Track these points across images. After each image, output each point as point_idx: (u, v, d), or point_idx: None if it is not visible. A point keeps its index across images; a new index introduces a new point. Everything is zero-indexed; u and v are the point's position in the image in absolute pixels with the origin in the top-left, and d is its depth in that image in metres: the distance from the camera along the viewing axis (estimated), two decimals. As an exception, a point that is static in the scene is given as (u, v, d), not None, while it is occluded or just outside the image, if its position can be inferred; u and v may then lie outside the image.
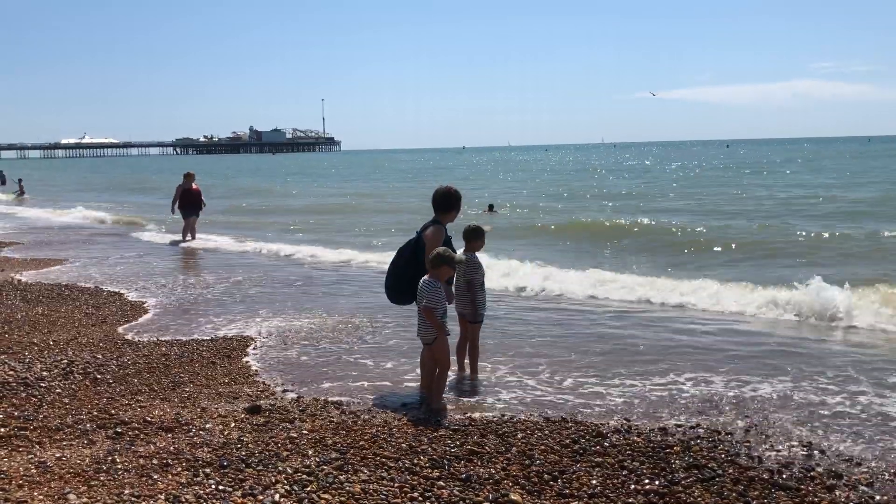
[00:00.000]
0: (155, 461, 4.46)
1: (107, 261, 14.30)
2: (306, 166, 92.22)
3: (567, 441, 4.86)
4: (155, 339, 7.78)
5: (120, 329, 8.32)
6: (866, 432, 5.10)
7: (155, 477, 4.24)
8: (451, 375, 6.28)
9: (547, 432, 5.05)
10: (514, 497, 4.04)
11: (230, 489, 4.10)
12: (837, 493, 4.13)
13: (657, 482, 4.24)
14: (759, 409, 5.56)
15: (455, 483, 4.22)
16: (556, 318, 8.91)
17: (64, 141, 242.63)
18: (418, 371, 6.16)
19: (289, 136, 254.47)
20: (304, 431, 5.02)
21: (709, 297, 9.61)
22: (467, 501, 4.02)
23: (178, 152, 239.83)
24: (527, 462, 4.52)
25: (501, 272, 11.59)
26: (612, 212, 23.40)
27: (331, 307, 9.55)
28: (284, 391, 6.10)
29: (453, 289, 6.19)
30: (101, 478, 4.22)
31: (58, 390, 5.89)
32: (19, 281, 11.57)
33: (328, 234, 19.78)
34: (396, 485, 4.18)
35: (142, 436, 4.92)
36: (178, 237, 17.87)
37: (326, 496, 4.03)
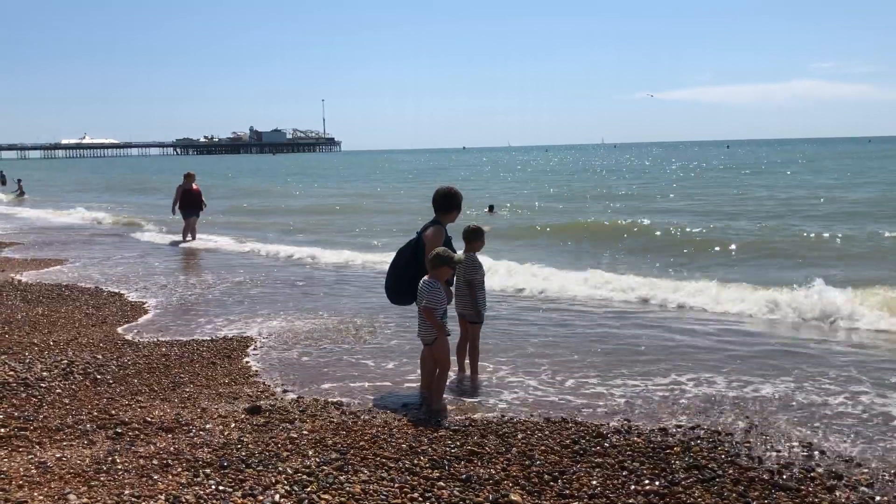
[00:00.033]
0: (155, 461, 4.46)
1: (107, 261, 14.30)
2: (306, 167, 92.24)
3: (567, 441, 4.86)
4: (155, 340, 7.79)
5: (120, 329, 8.32)
6: (867, 433, 5.10)
7: (155, 477, 4.24)
8: (452, 376, 6.28)
9: (547, 433, 5.05)
10: (514, 497, 4.04)
11: (230, 489, 4.10)
12: (838, 493, 4.13)
13: (657, 483, 4.24)
14: (759, 410, 5.56)
15: (455, 483, 4.22)
16: (557, 319, 8.91)
17: (64, 141, 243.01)
18: (419, 371, 6.16)
19: (289, 136, 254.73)
20: (305, 432, 5.02)
21: (710, 297, 9.60)
22: (467, 502, 4.01)
23: (179, 153, 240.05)
24: (527, 462, 4.52)
25: (502, 273, 11.61)
26: (613, 212, 23.39)
27: (332, 308, 9.55)
28: (284, 391, 6.10)
29: (454, 289, 6.19)
30: (102, 478, 4.22)
31: (58, 391, 5.89)
32: (20, 281, 11.57)
33: (328, 234, 19.78)
34: (396, 485, 4.18)
35: (142, 436, 4.92)
36: (179, 237, 17.88)
37: (326, 496, 4.03)
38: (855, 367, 6.63)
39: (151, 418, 5.26)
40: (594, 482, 4.25)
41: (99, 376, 6.32)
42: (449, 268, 5.67)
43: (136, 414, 5.37)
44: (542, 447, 4.76)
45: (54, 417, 5.26)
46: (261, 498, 4.00)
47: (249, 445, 4.74)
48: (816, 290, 9.01)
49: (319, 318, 8.88)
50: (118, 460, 4.47)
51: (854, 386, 6.10)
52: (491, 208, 24.40)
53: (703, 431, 5.09)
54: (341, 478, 4.26)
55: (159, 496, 4.00)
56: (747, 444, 4.85)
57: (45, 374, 6.30)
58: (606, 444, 4.81)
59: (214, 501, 3.97)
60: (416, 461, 4.52)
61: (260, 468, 4.38)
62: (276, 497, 4.01)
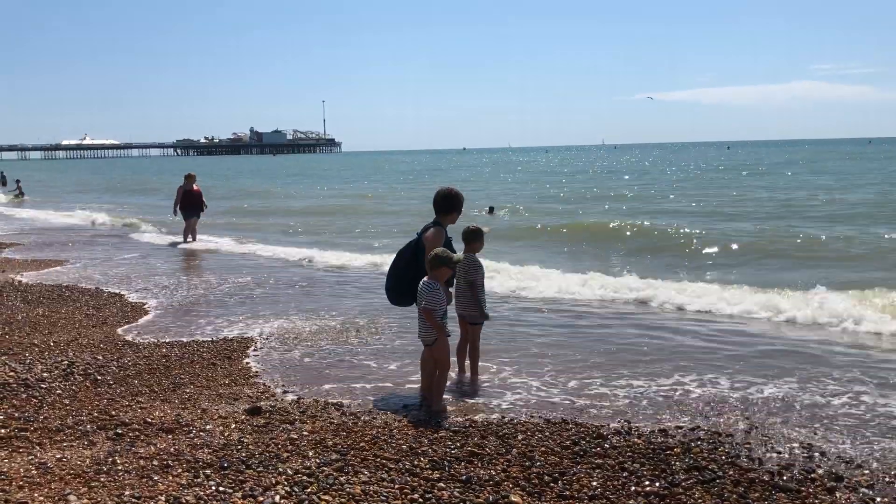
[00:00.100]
0: (155, 462, 4.46)
1: (107, 262, 14.30)
2: (307, 167, 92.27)
3: (567, 443, 4.86)
4: (155, 341, 7.79)
5: (120, 330, 8.32)
6: (868, 434, 5.09)
7: (155, 478, 4.24)
8: (452, 377, 6.28)
9: (547, 434, 5.05)
10: (514, 498, 4.04)
11: (230, 490, 4.10)
12: (838, 495, 4.13)
13: (657, 484, 4.24)
14: (760, 411, 5.56)
15: (455, 484, 4.22)
16: (559, 320, 8.90)
17: (65, 142, 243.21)
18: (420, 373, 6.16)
19: (289, 137, 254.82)
20: (305, 433, 5.02)
21: (711, 298, 9.60)
22: (467, 503, 4.01)
23: (179, 153, 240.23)
24: (527, 463, 4.52)
25: (503, 274, 11.61)
26: (613, 213, 23.39)
27: (333, 308, 9.55)
28: (285, 392, 6.10)
29: (454, 290, 6.19)
30: (102, 479, 4.22)
31: (58, 391, 5.89)
32: (20, 282, 11.57)
33: (329, 235, 19.80)
34: (397, 486, 4.18)
35: (142, 437, 4.92)
36: (179, 238, 17.89)
37: (327, 497, 4.03)
38: (858, 369, 6.62)
39: (152, 419, 5.27)
40: (594, 483, 4.24)
41: (99, 377, 6.33)
42: (448, 268, 5.67)
43: (136, 415, 5.37)
44: (543, 448, 4.76)
45: (55, 418, 5.26)
46: (261, 499, 4.00)
47: (250, 446, 4.74)
48: (818, 291, 9.00)
49: (321, 319, 8.88)
50: (118, 461, 4.47)
51: (857, 386, 6.10)
52: (491, 210, 24.39)
53: (703, 433, 5.08)
54: (341, 479, 4.26)
55: (160, 497, 4.00)
56: (748, 446, 4.85)
57: (45, 374, 6.30)
58: (607, 446, 4.81)
59: (215, 502, 3.97)
60: (416, 462, 4.52)
61: (260, 469, 4.38)
62: (277, 498, 4.01)
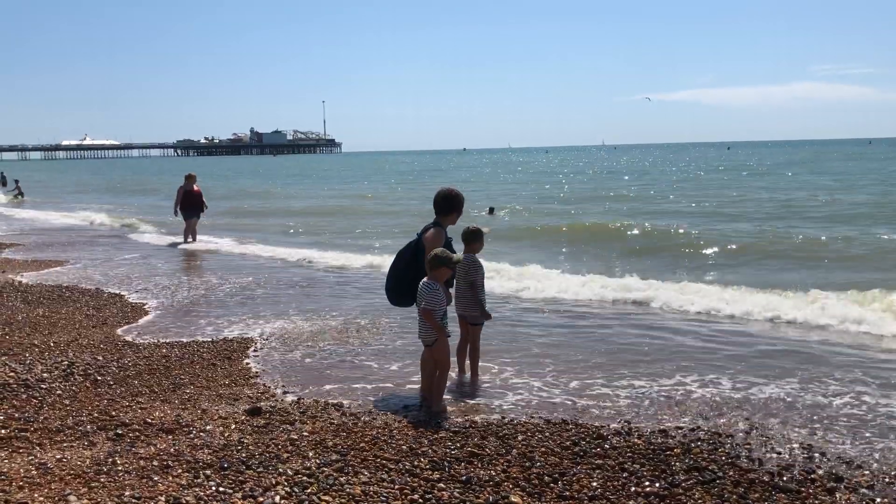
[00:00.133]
0: (155, 463, 4.46)
1: (108, 262, 14.30)
2: (307, 168, 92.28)
3: (567, 443, 4.86)
4: (155, 341, 7.79)
5: (120, 331, 8.32)
6: (868, 434, 5.09)
7: (155, 478, 4.24)
8: (452, 377, 6.28)
9: (547, 434, 5.05)
10: (514, 499, 4.04)
11: (230, 491, 4.10)
12: (838, 495, 4.13)
13: (657, 484, 4.24)
14: (761, 411, 5.56)
15: (455, 485, 4.22)
16: (560, 321, 8.90)
17: (65, 142, 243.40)
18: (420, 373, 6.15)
19: (290, 137, 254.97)
20: (305, 433, 5.02)
21: (711, 299, 9.60)
22: (467, 503, 4.01)
23: (179, 154, 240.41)
24: (527, 464, 4.52)
25: (503, 275, 11.61)
26: (614, 214, 23.39)
27: (334, 309, 9.55)
28: (285, 393, 6.10)
29: (454, 291, 6.19)
30: (102, 479, 4.22)
31: (58, 392, 5.89)
32: (20, 282, 11.57)
33: (329, 235, 19.80)
34: (397, 487, 4.18)
35: (142, 437, 4.92)
36: (179, 239, 17.89)
37: (327, 498, 4.03)
38: (859, 369, 6.62)
39: (152, 419, 5.26)
40: (594, 484, 4.24)
41: (99, 377, 6.33)
42: (448, 269, 5.67)
43: (136, 415, 5.37)
44: (543, 449, 4.76)
45: (55, 419, 5.26)
46: (261, 499, 4.00)
47: (250, 447, 4.74)
48: (819, 292, 9.00)
49: (321, 320, 8.88)
50: (118, 461, 4.47)
51: (858, 386, 6.10)
52: (491, 210, 24.38)
53: (703, 433, 5.08)
54: (341, 479, 4.26)
55: (160, 497, 4.00)
56: (748, 446, 4.85)
57: (45, 375, 6.30)
58: (607, 446, 4.81)
59: (215, 503, 3.97)
60: (416, 462, 4.52)
61: (260, 469, 4.38)
62: (277, 498, 4.01)
